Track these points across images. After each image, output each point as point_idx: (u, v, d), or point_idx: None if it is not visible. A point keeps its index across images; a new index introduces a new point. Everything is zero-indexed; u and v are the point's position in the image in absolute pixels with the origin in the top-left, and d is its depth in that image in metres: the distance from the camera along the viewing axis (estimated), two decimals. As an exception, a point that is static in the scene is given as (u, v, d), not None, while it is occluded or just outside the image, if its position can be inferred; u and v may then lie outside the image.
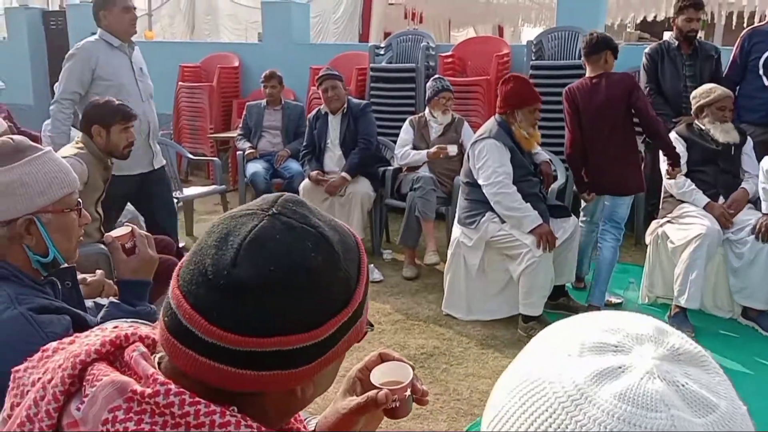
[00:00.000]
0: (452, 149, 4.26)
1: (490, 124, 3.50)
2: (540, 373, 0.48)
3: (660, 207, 3.83)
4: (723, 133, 3.61)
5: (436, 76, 4.76)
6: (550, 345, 0.51)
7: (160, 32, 9.92)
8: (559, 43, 5.52)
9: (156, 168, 3.66)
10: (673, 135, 3.71)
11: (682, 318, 3.45)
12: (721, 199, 3.60)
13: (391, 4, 9.55)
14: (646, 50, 4.40)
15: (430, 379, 2.94)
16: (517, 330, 3.45)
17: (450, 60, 5.72)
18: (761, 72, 4.07)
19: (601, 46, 3.53)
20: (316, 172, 4.49)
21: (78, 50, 3.51)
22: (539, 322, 3.35)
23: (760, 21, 8.20)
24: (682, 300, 3.42)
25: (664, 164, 3.64)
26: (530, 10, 8.49)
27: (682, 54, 4.29)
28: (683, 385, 0.46)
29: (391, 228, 4.96)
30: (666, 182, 3.73)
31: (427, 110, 4.53)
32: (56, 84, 3.58)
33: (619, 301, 3.75)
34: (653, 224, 3.77)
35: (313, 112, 4.80)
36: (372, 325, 0.85)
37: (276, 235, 0.70)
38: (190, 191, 5.33)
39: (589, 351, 0.48)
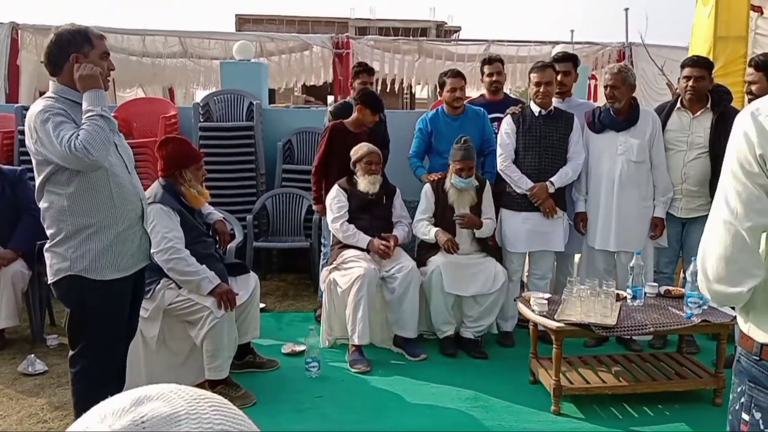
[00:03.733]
0: None
1: (155, 188, 3.36)
2: None
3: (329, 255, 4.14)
4: (367, 185, 4.07)
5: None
6: None
7: None
8: (226, 105, 5.68)
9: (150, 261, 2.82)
10: (336, 187, 4.10)
11: (358, 355, 3.75)
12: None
13: (43, 62, 8.71)
14: (330, 109, 4.74)
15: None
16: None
17: (113, 121, 5.42)
18: None
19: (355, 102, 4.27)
20: None
21: (44, 111, 2.34)
22: (227, 385, 3.28)
23: (399, 87, 9.72)
24: (355, 338, 3.72)
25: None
26: (198, 74, 8.60)
27: None
28: None
29: (55, 309, 4.38)
30: (330, 228, 4.07)
31: None
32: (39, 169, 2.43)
33: (301, 348, 3.89)
34: (324, 272, 4.06)
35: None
36: None
37: None
38: None
39: None
